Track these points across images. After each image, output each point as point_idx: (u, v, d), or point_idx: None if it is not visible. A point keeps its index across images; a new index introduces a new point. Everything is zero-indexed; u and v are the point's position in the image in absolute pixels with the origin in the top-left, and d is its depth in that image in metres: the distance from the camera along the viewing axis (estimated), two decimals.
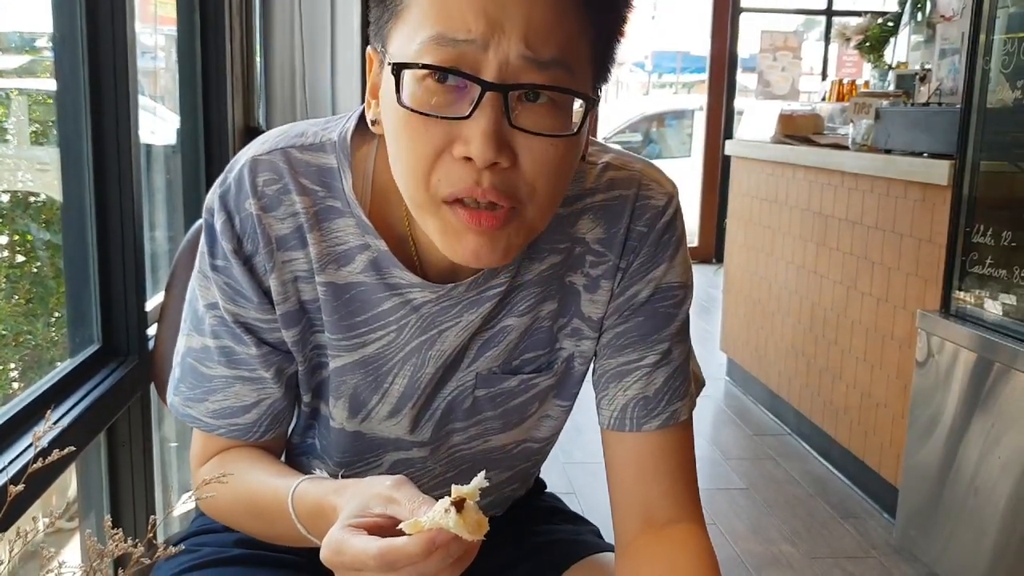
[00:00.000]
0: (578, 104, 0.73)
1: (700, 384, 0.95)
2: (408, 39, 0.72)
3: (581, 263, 0.89)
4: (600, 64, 0.76)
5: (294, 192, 0.83)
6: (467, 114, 0.70)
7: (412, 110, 0.71)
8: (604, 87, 0.79)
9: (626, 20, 0.76)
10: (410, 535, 0.65)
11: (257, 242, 0.83)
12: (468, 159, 0.70)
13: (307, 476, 0.80)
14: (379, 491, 0.70)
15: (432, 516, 0.65)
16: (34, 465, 0.65)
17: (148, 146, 2.17)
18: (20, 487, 0.64)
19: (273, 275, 0.84)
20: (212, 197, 0.85)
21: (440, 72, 0.70)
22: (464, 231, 0.73)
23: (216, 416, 0.89)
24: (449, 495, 0.66)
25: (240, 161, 0.85)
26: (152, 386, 1.45)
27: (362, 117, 0.86)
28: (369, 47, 0.80)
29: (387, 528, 0.68)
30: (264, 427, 0.90)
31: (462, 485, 0.66)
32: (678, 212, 0.91)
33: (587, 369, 0.95)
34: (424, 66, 0.70)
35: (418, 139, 0.72)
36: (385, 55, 0.75)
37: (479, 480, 0.66)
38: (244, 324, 0.86)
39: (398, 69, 0.70)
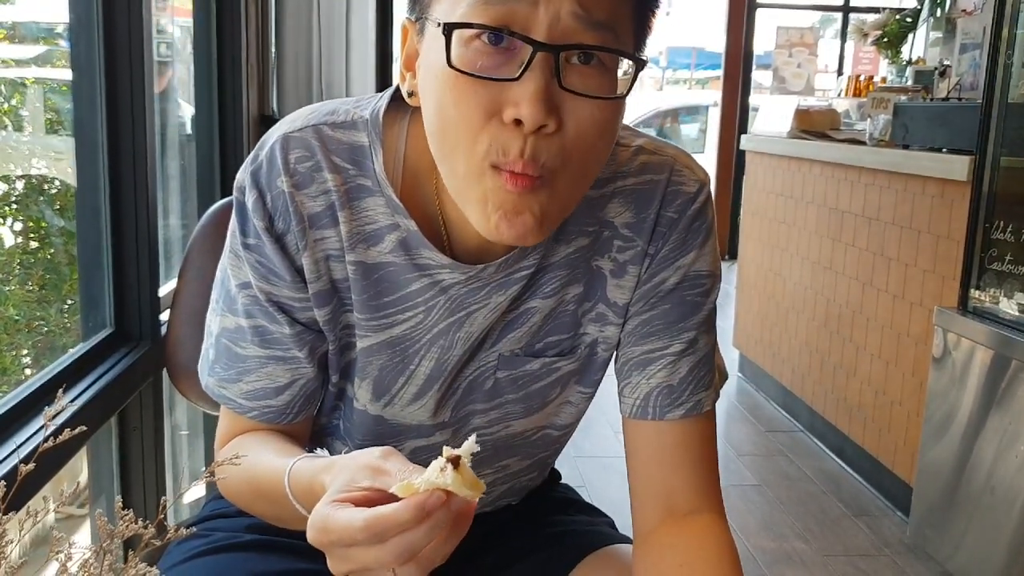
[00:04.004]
0: (622, 72, 0.72)
1: (723, 376, 0.94)
2: (454, 3, 0.70)
3: (609, 247, 0.88)
4: (639, 38, 0.75)
5: (326, 170, 0.82)
6: (517, 76, 0.69)
7: (461, 71, 0.69)
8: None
9: None
10: (400, 500, 0.61)
11: (289, 220, 0.82)
12: (517, 123, 0.69)
13: (305, 454, 0.78)
14: (366, 462, 0.66)
15: (427, 476, 0.61)
16: (45, 444, 0.64)
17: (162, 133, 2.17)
18: (30, 466, 0.63)
19: (306, 253, 0.83)
20: (243, 175, 0.84)
21: (490, 32, 0.69)
22: (500, 203, 0.72)
23: (249, 398, 0.88)
24: (440, 456, 0.62)
25: (271, 138, 0.84)
26: (165, 372, 1.45)
27: (394, 96, 0.85)
28: (404, 19, 0.79)
29: (376, 501, 0.63)
30: (296, 409, 0.89)
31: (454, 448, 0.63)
32: (709, 200, 0.89)
33: (610, 356, 0.93)
34: (475, 25, 0.69)
35: (466, 102, 0.70)
36: (426, 22, 0.74)
37: (471, 443, 0.63)
38: (277, 303, 0.85)
39: (449, 29, 0.69)
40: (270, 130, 0.86)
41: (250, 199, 0.83)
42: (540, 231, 0.74)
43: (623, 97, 0.73)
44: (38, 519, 0.63)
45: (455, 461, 0.61)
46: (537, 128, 0.69)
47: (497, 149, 0.70)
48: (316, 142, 0.83)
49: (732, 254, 6.52)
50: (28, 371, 1.81)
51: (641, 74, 0.75)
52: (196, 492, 2.28)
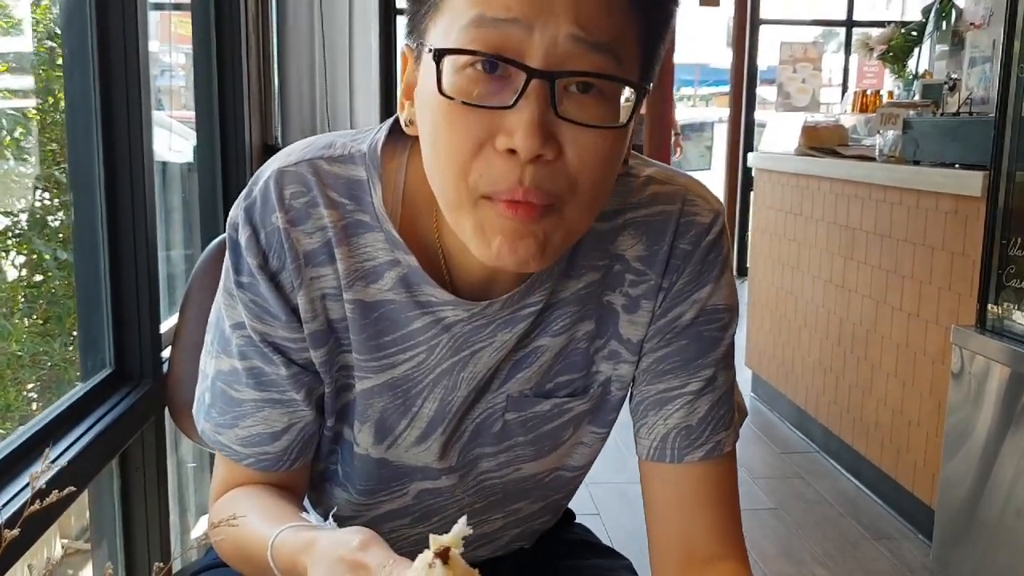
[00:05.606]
0: (624, 98, 0.69)
1: (743, 414, 0.90)
2: (448, 27, 0.67)
3: (620, 282, 0.84)
4: (646, 62, 0.71)
5: (322, 205, 0.79)
6: (511, 103, 0.65)
7: (453, 98, 0.66)
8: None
9: (672, 17, 0.72)
10: None
11: (284, 258, 0.79)
12: (511, 152, 0.66)
13: (289, 524, 0.75)
14: (344, 555, 0.64)
15: None
16: (31, 507, 0.60)
17: (164, 163, 2.15)
18: (15, 532, 0.60)
19: (301, 292, 0.80)
20: (236, 211, 0.81)
21: (483, 58, 0.65)
22: (500, 229, 0.68)
23: (245, 444, 0.84)
24: (428, 547, 0.58)
25: (265, 173, 0.81)
26: (167, 410, 1.42)
27: (393, 128, 0.82)
28: (404, 45, 0.76)
29: None
30: (294, 455, 0.86)
31: (441, 534, 0.58)
32: (724, 230, 0.86)
33: (625, 395, 0.89)
34: (466, 51, 0.65)
35: (458, 130, 0.67)
36: (422, 47, 0.71)
37: (461, 526, 0.58)
38: (272, 344, 0.82)
39: (439, 55, 0.66)
40: (264, 164, 0.83)
41: (243, 236, 0.79)
42: (543, 257, 0.70)
43: (624, 126, 0.70)
44: None
45: (444, 555, 0.56)
46: (534, 157, 0.66)
47: (488, 180, 0.67)
48: (312, 177, 0.80)
49: (741, 271, 6.47)
50: (34, 406, 1.78)
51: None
52: (203, 525, 2.24)
